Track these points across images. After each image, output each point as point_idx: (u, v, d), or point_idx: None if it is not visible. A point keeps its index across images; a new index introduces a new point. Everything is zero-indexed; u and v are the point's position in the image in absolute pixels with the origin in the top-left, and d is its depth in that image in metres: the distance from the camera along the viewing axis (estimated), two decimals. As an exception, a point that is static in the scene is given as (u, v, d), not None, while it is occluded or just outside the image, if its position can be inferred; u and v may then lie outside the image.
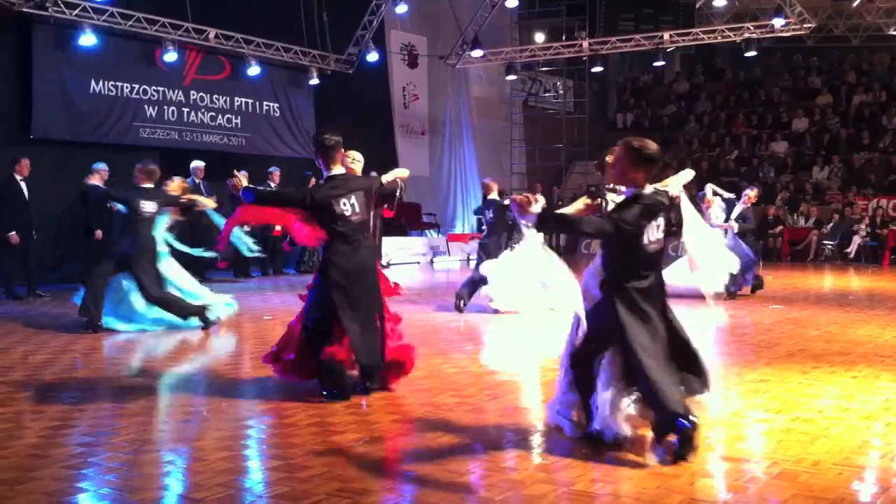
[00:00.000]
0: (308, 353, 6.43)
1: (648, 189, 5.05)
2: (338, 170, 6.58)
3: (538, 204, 4.80)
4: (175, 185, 10.05)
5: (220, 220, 9.16)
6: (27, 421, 5.76)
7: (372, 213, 6.97)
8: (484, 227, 12.40)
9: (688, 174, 5.61)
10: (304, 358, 6.47)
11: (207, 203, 9.86)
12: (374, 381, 6.50)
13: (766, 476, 4.63)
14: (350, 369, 6.53)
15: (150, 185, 9.85)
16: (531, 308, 10.66)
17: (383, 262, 19.11)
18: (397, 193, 7.28)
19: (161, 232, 9.79)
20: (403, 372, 6.71)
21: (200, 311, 9.69)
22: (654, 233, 5.02)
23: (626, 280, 5.00)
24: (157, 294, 9.46)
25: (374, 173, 7.82)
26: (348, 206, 6.43)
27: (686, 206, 5.47)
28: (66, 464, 4.83)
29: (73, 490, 4.42)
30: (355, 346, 6.34)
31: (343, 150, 6.72)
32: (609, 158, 5.54)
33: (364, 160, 7.37)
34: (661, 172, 5.31)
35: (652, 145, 5.07)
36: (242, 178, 6.88)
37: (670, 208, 5.24)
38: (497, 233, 11.44)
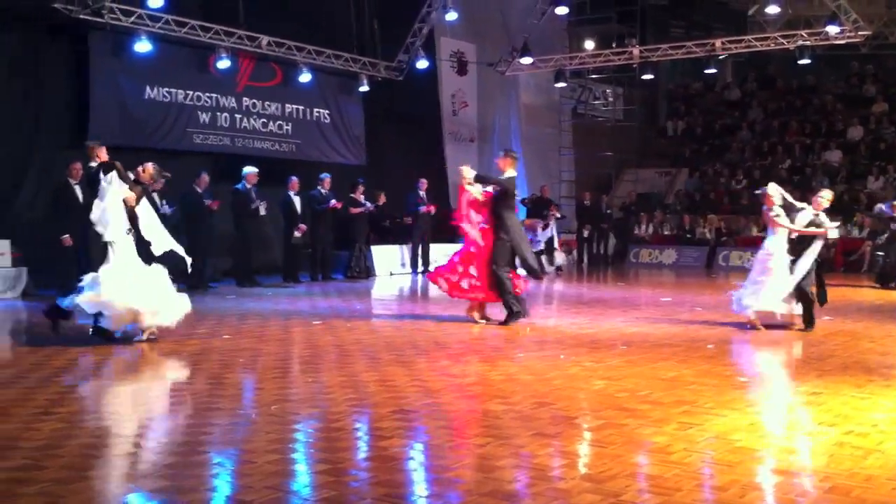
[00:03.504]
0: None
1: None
2: (510, 173, 10.93)
3: None
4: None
5: None
6: (82, 421, 5.86)
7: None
8: None
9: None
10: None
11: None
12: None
13: (818, 490, 4.55)
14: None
15: None
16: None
17: (430, 267, 19.18)
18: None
19: None
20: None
21: None
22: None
23: None
24: None
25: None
26: None
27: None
28: (119, 464, 4.90)
29: (124, 490, 4.48)
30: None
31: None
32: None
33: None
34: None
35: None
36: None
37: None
38: None
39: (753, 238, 23.58)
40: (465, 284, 10.73)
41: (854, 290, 15.13)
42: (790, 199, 10.62)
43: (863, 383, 7.31)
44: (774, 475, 4.87)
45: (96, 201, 9.15)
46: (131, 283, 8.89)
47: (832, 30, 19.99)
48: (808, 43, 20.66)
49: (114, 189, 9.14)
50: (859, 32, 20.10)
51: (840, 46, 22.02)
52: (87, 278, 8.90)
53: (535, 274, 11.34)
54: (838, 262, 21.46)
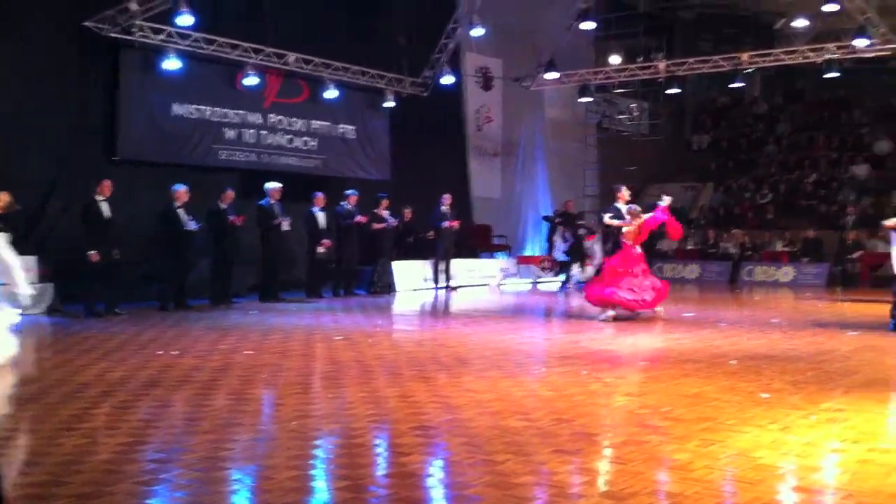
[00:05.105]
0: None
1: None
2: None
3: None
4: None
5: None
6: (102, 437, 5.90)
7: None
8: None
9: None
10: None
11: None
12: None
13: (841, 509, 4.51)
14: None
15: None
16: None
17: (452, 284, 19.14)
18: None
19: None
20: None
21: None
22: None
23: None
24: None
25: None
26: None
27: None
28: (139, 479, 4.93)
29: (145, 505, 4.52)
30: None
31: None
32: None
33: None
34: None
35: None
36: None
37: None
38: None
39: (778, 253, 23.44)
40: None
41: (881, 306, 14.95)
42: None
43: (887, 399, 7.24)
44: (797, 493, 4.82)
45: None
46: None
47: (860, 43, 19.79)
48: (835, 56, 20.51)
49: None
50: (888, 45, 19.91)
51: (869, 59, 21.82)
52: None
53: None
54: (864, 277, 21.26)
